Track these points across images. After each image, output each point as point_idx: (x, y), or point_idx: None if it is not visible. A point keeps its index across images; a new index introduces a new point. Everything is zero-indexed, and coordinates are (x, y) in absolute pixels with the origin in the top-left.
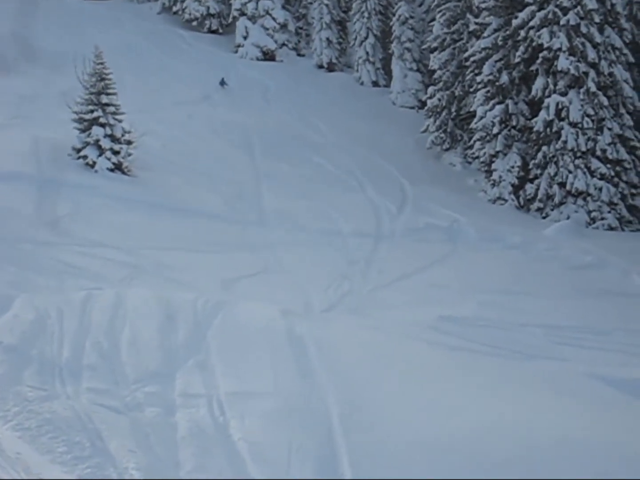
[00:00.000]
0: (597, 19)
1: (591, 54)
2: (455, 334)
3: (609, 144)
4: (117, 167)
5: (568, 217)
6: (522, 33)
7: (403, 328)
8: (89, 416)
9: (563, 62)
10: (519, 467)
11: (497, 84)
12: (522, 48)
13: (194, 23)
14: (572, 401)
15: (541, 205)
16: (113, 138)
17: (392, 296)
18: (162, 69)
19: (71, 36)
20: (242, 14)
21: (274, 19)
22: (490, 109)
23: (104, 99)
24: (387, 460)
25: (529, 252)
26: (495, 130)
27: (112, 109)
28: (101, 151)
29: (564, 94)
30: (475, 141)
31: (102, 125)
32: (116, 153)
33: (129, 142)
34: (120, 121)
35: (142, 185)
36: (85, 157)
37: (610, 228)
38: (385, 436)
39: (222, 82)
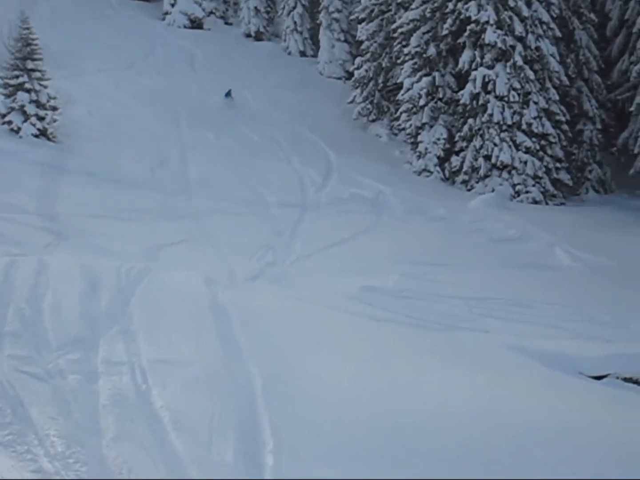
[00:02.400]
0: None
1: (518, 28)
2: (379, 305)
3: (535, 118)
4: (42, 134)
5: (493, 190)
6: (450, 5)
7: (326, 298)
8: (11, 383)
9: (490, 36)
10: (445, 442)
11: (424, 56)
12: (449, 20)
13: None
14: (493, 373)
15: (466, 177)
16: (38, 104)
17: (316, 266)
18: (88, 35)
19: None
20: None
21: None
22: (417, 81)
23: (30, 65)
24: (308, 430)
25: (454, 224)
26: (421, 102)
27: (37, 74)
28: (26, 117)
29: (490, 67)
30: (401, 113)
31: (28, 91)
32: (41, 119)
33: (54, 108)
34: (45, 87)
35: (67, 152)
36: (10, 122)
37: (535, 201)
38: (307, 406)
39: (228, 94)
